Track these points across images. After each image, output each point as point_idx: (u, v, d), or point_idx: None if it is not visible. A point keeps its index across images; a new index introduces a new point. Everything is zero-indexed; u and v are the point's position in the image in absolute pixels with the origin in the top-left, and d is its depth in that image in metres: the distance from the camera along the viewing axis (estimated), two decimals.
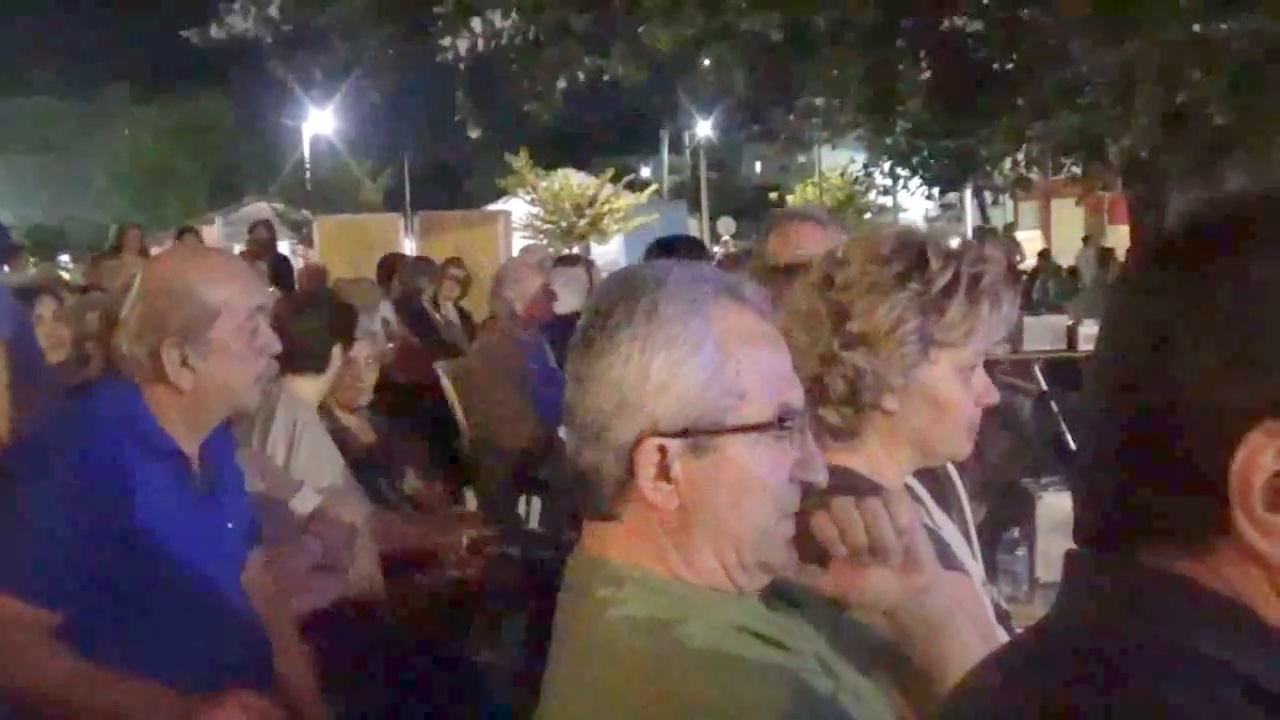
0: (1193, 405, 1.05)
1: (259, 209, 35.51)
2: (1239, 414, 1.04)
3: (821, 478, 1.89)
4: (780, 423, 1.84)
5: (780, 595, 1.96)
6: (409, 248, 18.76)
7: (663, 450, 1.81)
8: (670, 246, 6.62)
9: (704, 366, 1.81)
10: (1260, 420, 1.04)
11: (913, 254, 2.37)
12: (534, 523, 7.25)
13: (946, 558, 2.33)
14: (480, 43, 10.76)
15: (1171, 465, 1.07)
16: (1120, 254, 21.99)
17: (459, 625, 5.16)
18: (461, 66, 11.10)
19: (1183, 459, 1.06)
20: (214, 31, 11.48)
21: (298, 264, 18.77)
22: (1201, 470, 1.05)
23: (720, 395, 1.81)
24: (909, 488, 2.54)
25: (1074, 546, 1.20)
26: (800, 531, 1.89)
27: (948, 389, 2.41)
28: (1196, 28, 11.17)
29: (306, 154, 47.35)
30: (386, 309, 7.45)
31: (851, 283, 2.36)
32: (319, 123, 46.20)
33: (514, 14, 10.82)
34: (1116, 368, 1.11)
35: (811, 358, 2.35)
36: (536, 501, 7.40)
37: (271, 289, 7.73)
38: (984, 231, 27.42)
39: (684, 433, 1.81)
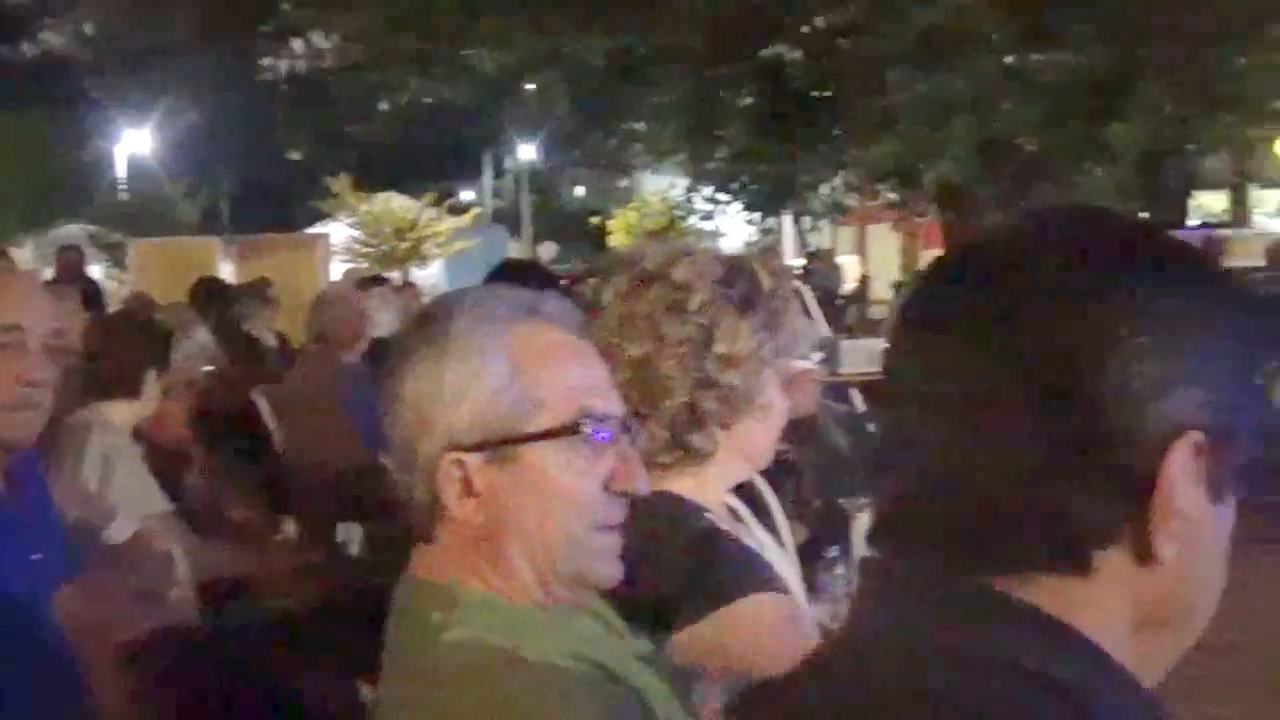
0: (1122, 420, 1.12)
1: (70, 231, 34.67)
2: (1169, 427, 1.12)
3: (643, 488, 1.91)
4: (579, 426, 1.85)
5: (602, 615, 1.97)
6: (226, 271, 18.50)
7: (462, 464, 1.82)
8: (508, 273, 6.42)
9: (496, 376, 1.83)
10: (1186, 432, 1.12)
11: (747, 275, 2.43)
12: (355, 549, 7.18)
13: (771, 576, 2.37)
14: (303, 64, 10.68)
15: (1089, 478, 1.12)
16: None
17: (281, 653, 5.09)
18: (283, 88, 11.02)
19: (1104, 471, 1.12)
20: (26, 48, 11.19)
21: (111, 288, 18.40)
22: (1124, 479, 1.12)
23: (515, 404, 1.83)
24: (730, 507, 2.58)
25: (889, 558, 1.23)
26: None
27: (777, 399, 2.48)
28: (1009, 59, 11.47)
29: (123, 174, 46.36)
30: (203, 334, 7.34)
31: (706, 306, 2.39)
32: (135, 143, 45.25)
33: (336, 35, 10.75)
34: (1013, 390, 1.14)
35: (682, 383, 2.37)
36: (357, 528, 7.33)
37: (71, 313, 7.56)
38: (813, 256, 27.79)
39: (481, 445, 1.82)
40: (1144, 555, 1.14)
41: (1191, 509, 1.14)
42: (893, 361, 1.25)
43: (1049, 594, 1.14)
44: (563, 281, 6.83)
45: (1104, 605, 1.15)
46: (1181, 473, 1.13)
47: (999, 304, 1.16)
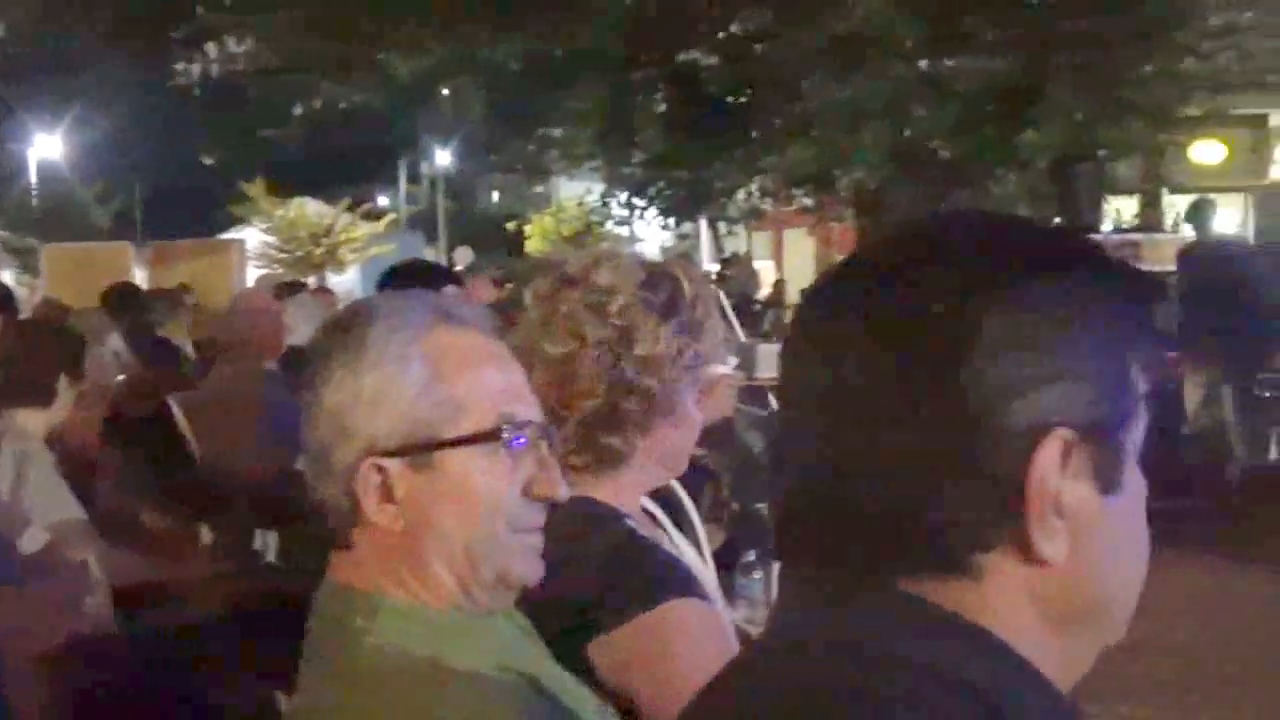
0: (987, 419, 1.12)
1: None
2: (1035, 425, 1.12)
3: (561, 493, 1.92)
4: (500, 433, 1.86)
5: (514, 618, 1.97)
6: (140, 277, 18.32)
7: (382, 470, 1.82)
8: (404, 273, 6.48)
9: (414, 382, 1.83)
10: (1053, 429, 1.12)
11: (669, 281, 2.44)
12: (271, 557, 7.13)
13: (691, 581, 2.38)
14: (216, 68, 10.63)
15: (960, 480, 1.13)
16: None
17: (198, 660, 5.06)
18: (197, 92, 10.97)
19: (975, 472, 1.12)
20: None
21: (21, 294, 18.15)
22: (995, 480, 1.12)
23: (433, 409, 1.83)
24: (648, 512, 2.59)
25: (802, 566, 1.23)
26: None
27: (693, 406, 2.48)
28: (923, 65, 11.57)
29: (35, 179, 45.74)
30: (116, 340, 7.28)
31: (627, 309, 2.39)
32: (47, 147, 44.65)
33: (250, 40, 10.71)
34: (888, 388, 1.15)
35: (600, 384, 2.37)
36: (274, 535, 7.28)
37: None
38: (729, 261, 27.87)
39: (400, 450, 1.82)
40: (1029, 555, 1.14)
41: (1079, 505, 1.15)
42: (787, 361, 1.25)
43: (951, 596, 1.15)
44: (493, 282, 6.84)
45: (1004, 606, 1.15)
46: (1051, 470, 1.13)
47: (886, 304, 1.17)
